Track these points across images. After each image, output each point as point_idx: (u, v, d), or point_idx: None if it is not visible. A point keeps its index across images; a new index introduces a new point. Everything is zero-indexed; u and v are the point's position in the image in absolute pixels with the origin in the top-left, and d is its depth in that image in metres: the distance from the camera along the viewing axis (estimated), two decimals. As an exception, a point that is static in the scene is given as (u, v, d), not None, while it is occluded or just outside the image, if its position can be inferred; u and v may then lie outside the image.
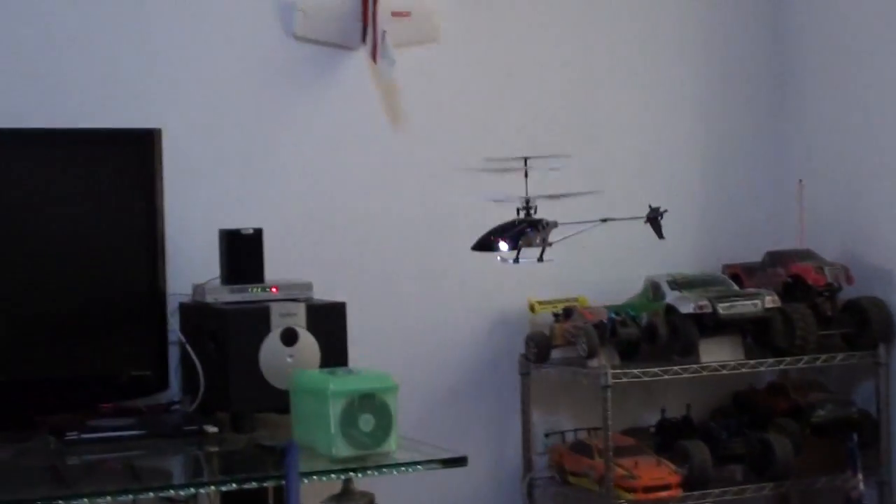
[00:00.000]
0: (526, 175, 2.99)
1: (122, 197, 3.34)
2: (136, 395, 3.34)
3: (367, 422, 2.95)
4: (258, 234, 3.37)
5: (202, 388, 3.29)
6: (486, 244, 3.02)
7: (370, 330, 3.55)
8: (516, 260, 3.04)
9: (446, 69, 3.85)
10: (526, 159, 3.00)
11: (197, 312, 3.35)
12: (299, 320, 3.25)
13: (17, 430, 3.17)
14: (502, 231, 2.99)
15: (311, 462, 2.91)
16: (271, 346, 3.22)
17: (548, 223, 2.93)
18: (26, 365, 3.24)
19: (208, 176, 3.58)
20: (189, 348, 3.33)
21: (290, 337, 3.23)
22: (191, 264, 3.43)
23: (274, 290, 3.33)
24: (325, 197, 3.72)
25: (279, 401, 3.17)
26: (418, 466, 2.99)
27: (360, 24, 3.68)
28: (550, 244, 2.96)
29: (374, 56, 3.65)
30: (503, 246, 2.98)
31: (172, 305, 3.39)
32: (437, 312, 3.82)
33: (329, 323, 3.28)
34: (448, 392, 3.86)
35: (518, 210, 2.97)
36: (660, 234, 3.01)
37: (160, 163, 3.35)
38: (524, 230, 2.96)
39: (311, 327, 3.26)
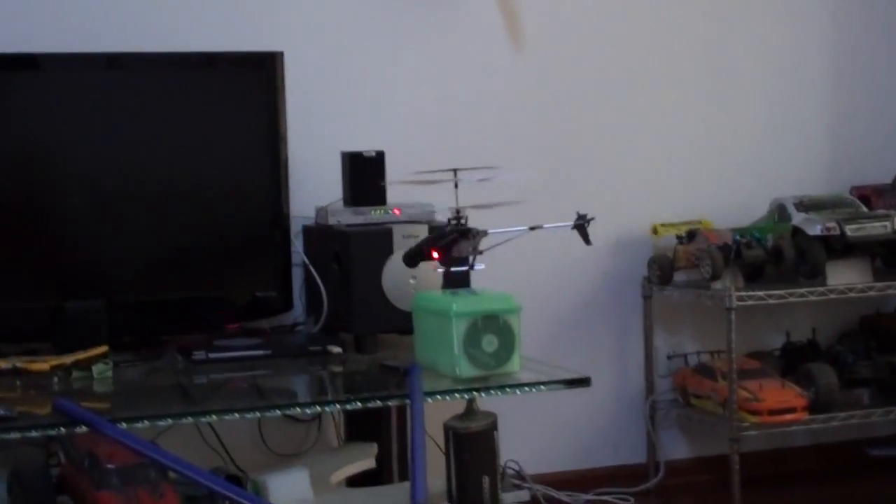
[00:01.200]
0: (456, 186, 2.95)
1: (245, 120, 3.30)
2: (260, 315, 3.33)
3: (490, 342, 2.89)
4: (380, 156, 3.31)
5: (325, 309, 3.26)
6: (417, 255, 2.99)
7: (492, 251, 3.47)
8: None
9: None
10: (455, 171, 2.95)
11: (320, 234, 3.31)
12: (423, 242, 3.19)
13: (147, 349, 3.17)
14: (434, 241, 2.95)
15: (435, 382, 2.87)
16: (393, 267, 3.17)
17: (478, 232, 2.91)
18: (156, 287, 3.25)
19: (330, 99, 3.53)
20: (312, 270, 3.30)
21: (412, 258, 3.16)
22: (314, 187, 3.39)
23: (396, 211, 3.27)
24: (446, 118, 3.66)
25: (402, 322, 3.13)
26: (541, 387, 2.93)
27: (482, -54, 3.59)
28: (481, 252, 2.92)
29: (494, -21, 3.56)
30: (435, 255, 2.95)
31: (296, 228, 3.37)
32: (559, 233, 3.72)
33: (453, 244, 3.21)
34: (570, 314, 3.80)
35: (448, 220, 2.94)
36: (587, 241, 2.95)
37: (283, 86, 3.30)
38: (456, 239, 2.93)
39: (435, 248, 3.19)
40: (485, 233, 2.95)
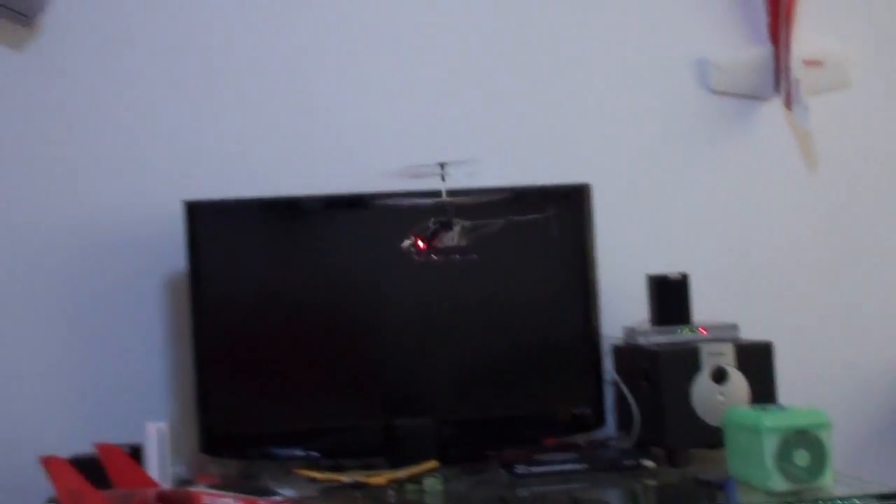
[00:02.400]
0: (443, 178, 3.10)
1: (556, 247, 3.46)
2: (575, 431, 3.45)
3: (801, 456, 2.94)
4: (684, 278, 3.43)
5: (637, 425, 3.36)
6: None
7: (795, 367, 3.54)
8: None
9: (859, 114, 3.81)
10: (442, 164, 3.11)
11: (629, 353, 3.43)
12: (728, 359, 3.28)
13: (472, 463, 3.33)
14: (418, 232, 3.09)
15: (748, 495, 2.93)
16: (702, 384, 3.27)
17: (460, 223, 3.04)
18: (479, 404, 3.41)
19: (634, 224, 3.67)
20: (623, 387, 3.41)
21: (720, 375, 3.27)
22: (621, 308, 3.52)
23: (702, 331, 3.37)
24: (744, 240, 3.75)
25: (711, 436, 3.21)
26: (855, 500, 2.95)
27: (773, 74, 3.69)
28: (465, 244, 3.10)
29: (787, 104, 3.65)
30: (420, 244, 3.07)
31: (605, 347, 3.49)
32: (861, 348, 3.76)
33: (757, 361, 3.30)
34: (876, 428, 3.79)
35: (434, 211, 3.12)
36: None
37: (591, 214, 3.46)
38: (438, 231, 3.01)
39: (740, 366, 3.28)
40: (469, 224, 3.06)
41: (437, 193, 3.18)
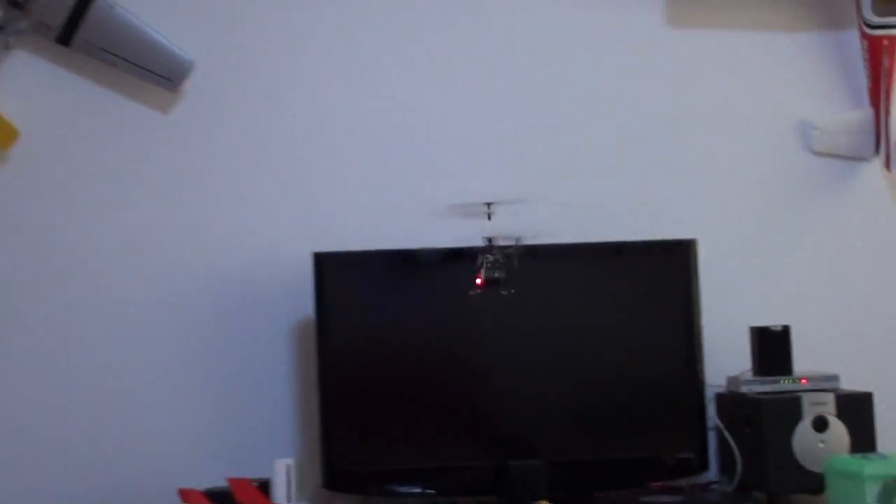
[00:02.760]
0: (489, 217, 3.33)
1: (662, 299, 3.60)
2: (680, 475, 3.56)
3: (901, 503, 3.03)
4: (786, 330, 3.55)
5: (739, 470, 3.47)
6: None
7: (895, 416, 3.61)
8: None
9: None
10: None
11: (732, 401, 3.55)
12: (829, 409, 3.40)
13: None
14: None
15: (849, 540, 3.03)
16: (803, 432, 3.38)
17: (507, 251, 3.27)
18: (587, 448, 3.54)
19: (737, 278, 3.79)
20: (726, 433, 3.52)
21: (821, 424, 3.38)
22: (723, 358, 3.63)
23: (803, 381, 3.48)
24: (845, 294, 3.86)
25: (812, 483, 3.33)
26: (952, 545, 3.03)
27: (873, 136, 3.81)
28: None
29: (887, 165, 3.77)
30: (478, 282, 3.33)
31: (709, 395, 3.61)
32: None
33: (857, 411, 3.41)
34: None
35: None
36: None
37: (696, 268, 3.59)
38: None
39: (841, 415, 3.39)
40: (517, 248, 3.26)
41: (532, 250, 3.39)
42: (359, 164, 3.71)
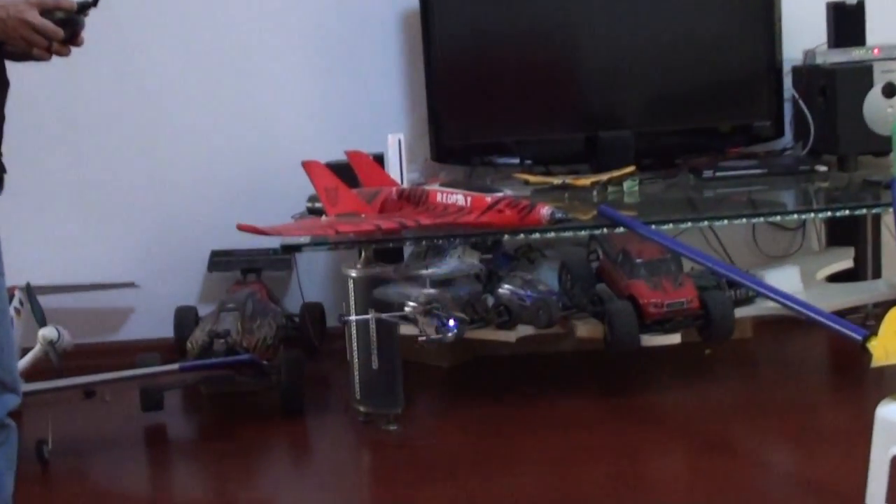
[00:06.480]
0: None
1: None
2: (756, 142, 3.67)
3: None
4: (861, 4, 3.53)
5: (812, 136, 3.54)
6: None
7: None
8: None
9: None
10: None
11: (807, 73, 3.59)
12: (899, 76, 3.42)
13: (665, 169, 3.58)
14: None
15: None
16: (873, 98, 3.42)
17: None
18: (672, 118, 3.64)
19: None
20: (801, 102, 3.58)
21: (890, 90, 3.41)
22: (800, 33, 3.63)
23: (876, 51, 3.49)
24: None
25: (879, 145, 3.40)
26: None
27: None
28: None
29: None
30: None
31: (786, 68, 3.63)
32: None
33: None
34: None
35: None
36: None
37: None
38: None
39: (913, 81, 3.43)
40: None
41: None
42: None
